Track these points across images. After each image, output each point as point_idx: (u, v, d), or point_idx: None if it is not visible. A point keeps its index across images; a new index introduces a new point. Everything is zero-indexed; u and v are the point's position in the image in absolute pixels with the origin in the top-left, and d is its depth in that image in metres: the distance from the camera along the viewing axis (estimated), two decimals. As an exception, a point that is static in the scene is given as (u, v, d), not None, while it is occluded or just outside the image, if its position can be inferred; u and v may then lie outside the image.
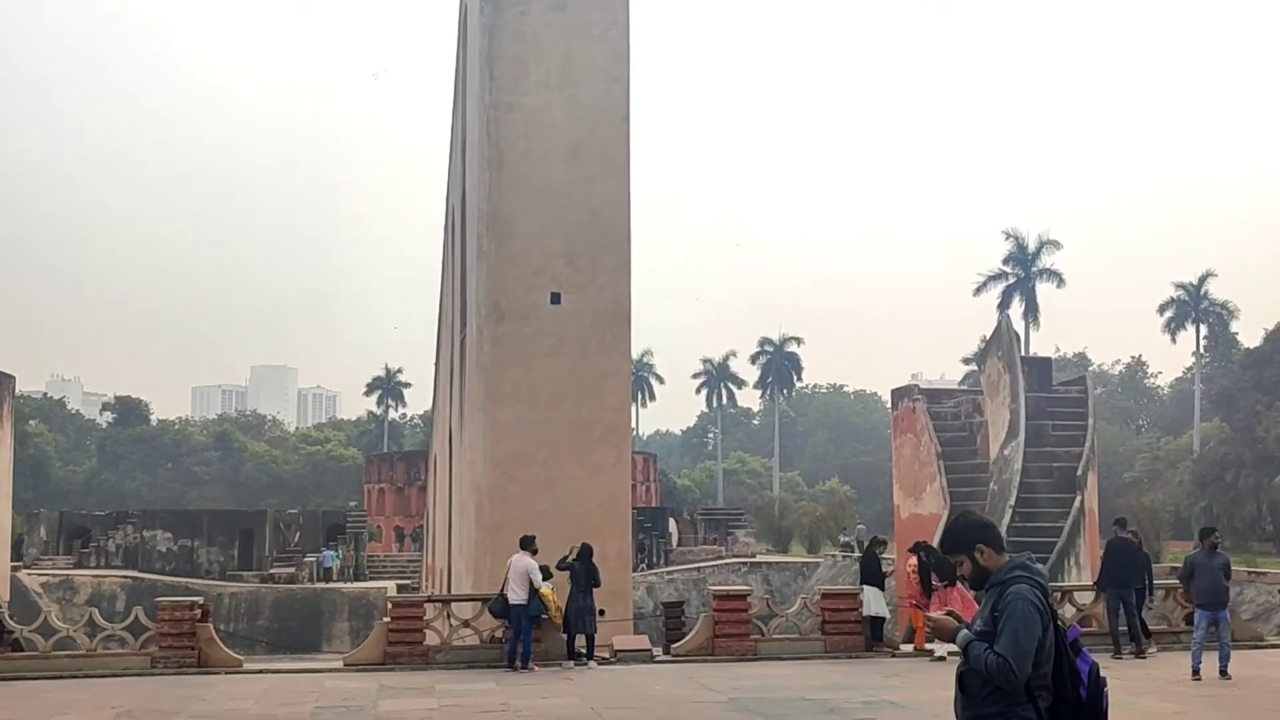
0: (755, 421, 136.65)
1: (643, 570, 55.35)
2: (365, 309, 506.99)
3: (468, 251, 23.82)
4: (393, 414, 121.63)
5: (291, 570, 55.30)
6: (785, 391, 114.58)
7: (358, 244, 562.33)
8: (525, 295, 21.25)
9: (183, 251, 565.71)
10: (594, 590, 18.22)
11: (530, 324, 21.25)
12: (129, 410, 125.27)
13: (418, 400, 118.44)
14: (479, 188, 21.69)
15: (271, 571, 55.61)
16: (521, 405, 21.16)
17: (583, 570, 18.21)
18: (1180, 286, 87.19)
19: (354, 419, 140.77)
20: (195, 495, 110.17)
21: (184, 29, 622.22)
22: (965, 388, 68.61)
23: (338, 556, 58.90)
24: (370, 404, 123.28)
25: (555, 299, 21.20)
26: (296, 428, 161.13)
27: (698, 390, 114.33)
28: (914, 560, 19.23)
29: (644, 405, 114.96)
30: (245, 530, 61.64)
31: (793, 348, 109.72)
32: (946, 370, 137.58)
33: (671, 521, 65.71)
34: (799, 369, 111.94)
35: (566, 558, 18.36)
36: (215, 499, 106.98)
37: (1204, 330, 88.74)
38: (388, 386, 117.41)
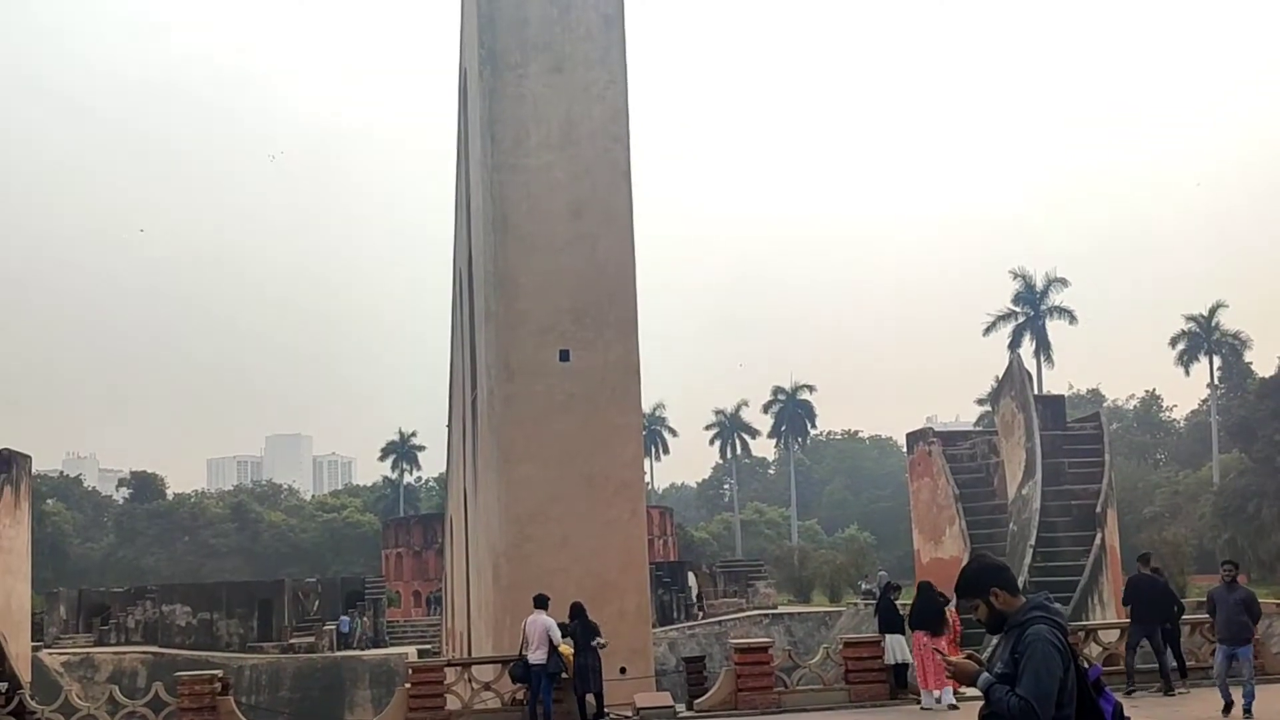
0: (771, 471, 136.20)
1: (664, 626, 54.97)
2: (377, 374, 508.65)
3: (476, 312, 23.91)
4: (408, 478, 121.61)
5: (311, 639, 55.04)
6: (800, 440, 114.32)
7: (367, 310, 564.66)
8: (534, 354, 21.30)
9: (193, 324, 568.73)
10: (599, 645, 17.98)
11: (540, 382, 21.28)
12: (145, 485, 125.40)
13: (432, 463, 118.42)
14: (485, 249, 21.82)
15: (291, 641, 55.34)
16: (534, 463, 21.15)
17: (580, 629, 18.06)
18: (1191, 319, 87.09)
19: (369, 484, 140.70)
20: (213, 567, 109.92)
21: (186, 92, 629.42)
22: (980, 429, 68.42)
23: (352, 622, 58.73)
24: (385, 469, 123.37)
25: (564, 356, 21.25)
26: (312, 495, 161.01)
27: (711, 441, 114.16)
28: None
29: (658, 459, 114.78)
30: (264, 601, 61.43)
31: (805, 395, 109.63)
32: (961, 412, 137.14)
33: (690, 575, 65.33)
34: (813, 417, 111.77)
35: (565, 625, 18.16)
36: (233, 571, 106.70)
37: (1217, 361, 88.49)
38: (402, 450, 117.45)
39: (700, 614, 60.66)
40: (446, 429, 50.58)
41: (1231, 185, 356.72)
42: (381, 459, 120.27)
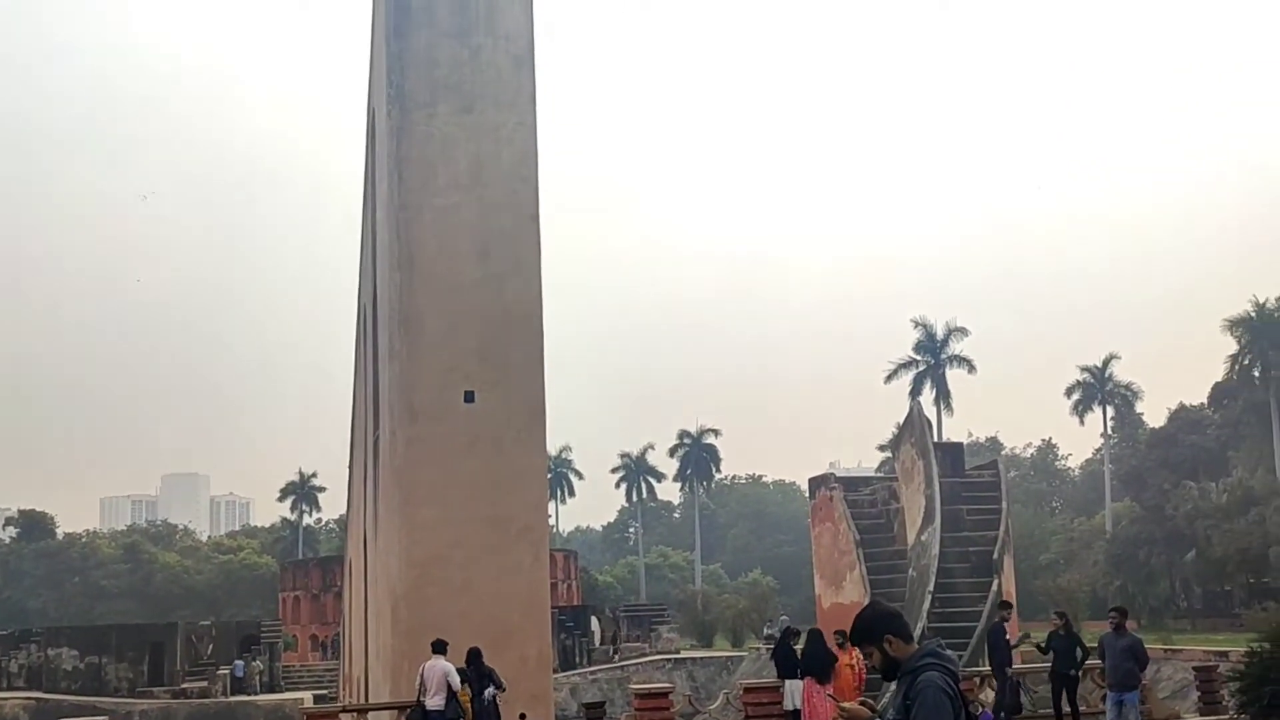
0: (676, 515, 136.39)
1: (566, 671, 54.54)
2: (278, 414, 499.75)
3: (380, 352, 23.67)
4: (307, 519, 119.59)
5: (204, 684, 53.67)
6: (705, 484, 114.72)
7: (269, 348, 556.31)
8: (438, 394, 21.11)
9: (88, 360, 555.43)
10: (489, 697, 17.75)
11: (444, 423, 21.09)
12: (33, 524, 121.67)
13: (333, 505, 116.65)
14: (390, 288, 21.64)
15: (183, 686, 53.90)
16: (436, 506, 20.91)
17: (474, 674, 17.87)
18: (1086, 369, 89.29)
19: (268, 526, 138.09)
20: (104, 610, 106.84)
21: (74, 125, 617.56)
22: (882, 475, 69.30)
23: (246, 666, 57.43)
24: (284, 510, 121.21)
25: (469, 397, 21.08)
26: (209, 536, 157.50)
27: (617, 485, 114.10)
28: (855, 651, 19.20)
29: (563, 502, 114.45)
30: (155, 644, 59.76)
31: (711, 439, 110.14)
32: (863, 458, 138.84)
33: (594, 619, 65.00)
34: (718, 461, 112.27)
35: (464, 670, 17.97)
36: (125, 613, 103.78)
37: (1110, 412, 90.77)
38: (302, 491, 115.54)
39: (616, 656, 60.44)
40: (348, 470, 49.88)
41: (1128, 240, 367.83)
42: (281, 500, 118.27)
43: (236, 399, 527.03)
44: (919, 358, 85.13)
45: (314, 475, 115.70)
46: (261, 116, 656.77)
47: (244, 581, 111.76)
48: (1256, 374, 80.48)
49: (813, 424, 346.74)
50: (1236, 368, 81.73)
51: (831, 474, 49.82)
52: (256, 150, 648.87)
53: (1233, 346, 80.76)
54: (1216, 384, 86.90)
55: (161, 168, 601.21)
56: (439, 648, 17.66)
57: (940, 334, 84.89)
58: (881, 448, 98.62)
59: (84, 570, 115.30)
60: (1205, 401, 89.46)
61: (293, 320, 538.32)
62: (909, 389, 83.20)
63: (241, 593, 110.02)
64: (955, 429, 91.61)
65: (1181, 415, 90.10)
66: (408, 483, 21.22)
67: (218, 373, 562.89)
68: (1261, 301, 78.82)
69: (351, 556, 44.82)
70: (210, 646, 60.57)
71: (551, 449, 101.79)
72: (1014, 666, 20.72)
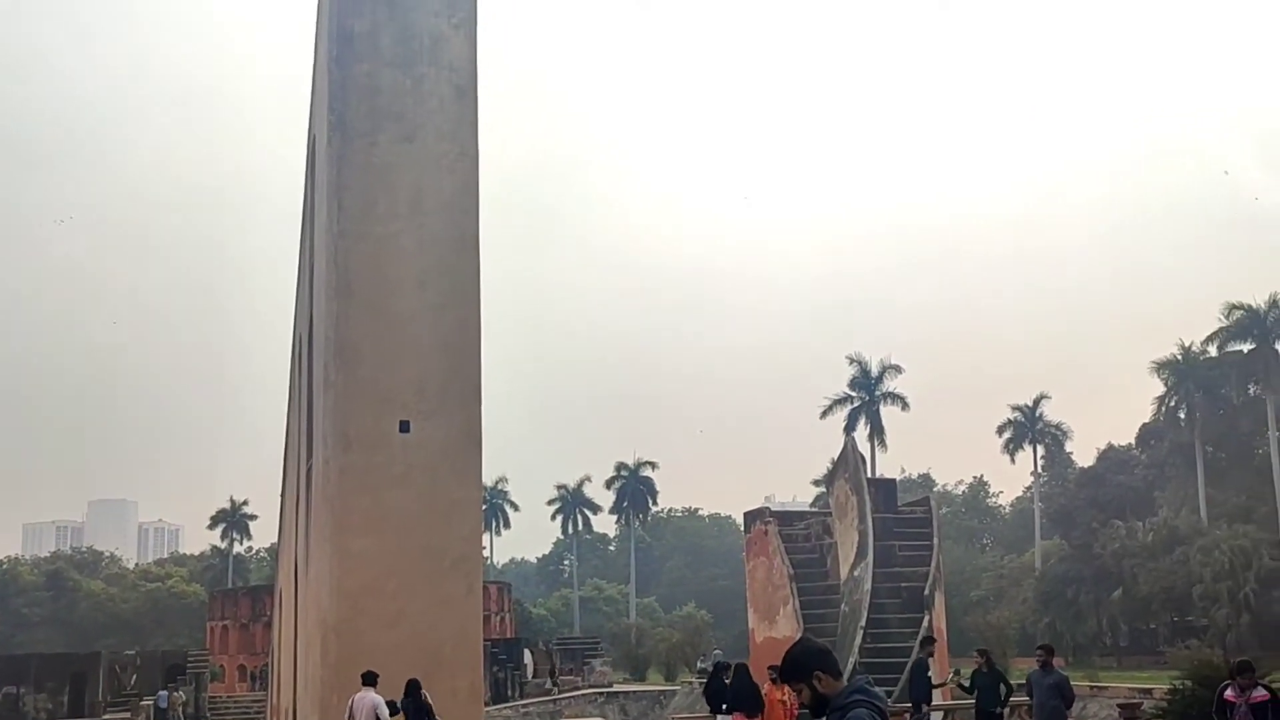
0: (611, 547, 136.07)
1: (498, 704, 54.09)
2: (210, 440, 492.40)
3: (315, 380, 23.48)
4: (238, 548, 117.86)
5: (127, 715, 52.60)
6: (641, 516, 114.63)
7: (201, 374, 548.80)
8: (374, 424, 20.97)
9: (11, 382, 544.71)
10: None
11: (379, 453, 20.94)
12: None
13: (264, 533, 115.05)
14: (326, 316, 21.50)
15: (105, 717, 52.80)
16: (369, 536, 20.74)
17: (411, 707, 17.76)
18: (1017, 408, 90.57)
19: (197, 554, 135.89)
20: (24, 638, 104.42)
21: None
22: (816, 509, 69.67)
23: (170, 696, 56.39)
24: (214, 538, 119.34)
25: (404, 427, 20.96)
26: (136, 564, 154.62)
27: (553, 517, 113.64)
28: (787, 689, 19.27)
29: (498, 533, 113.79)
30: (77, 674, 58.50)
31: (648, 472, 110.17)
32: (798, 492, 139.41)
33: (527, 652, 64.61)
34: (654, 493, 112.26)
35: (396, 703, 17.86)
36: (46, 642, 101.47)
37: (1040, 450, 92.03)
38: (233, 519, 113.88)
39: (555, 689, 60.06)
40: (280, 498, 49.29)
41: (1059, 279, 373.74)
42: (211, 527, 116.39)
43: (168, 424, 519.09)
44: (854, 394, 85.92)
45: (245, 503, 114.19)
46: (200, 138, 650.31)
47: (171, 610, 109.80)
48: (1182, 416, 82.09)
49: (749, 457, 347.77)
50: (1163, 409, 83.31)
51: (767, 508, 49.99)
52: (194, 172, 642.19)
53: (1160, 388, 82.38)
54: (1144, 425, 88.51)
55: (91, 188, 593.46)
56: (369, 679, 17.52)
57: (875, 370, 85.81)
58: (816, 482, 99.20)
59: (4, 598, 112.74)
60: (1133, 442, 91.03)
61: (227, 346, 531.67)
62: (844, 424, 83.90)
63: (169, 622, 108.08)
64: (889, 465, 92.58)
65: (1110, 455, 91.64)
66: (340, 512, 21.05)
67: (149, 397, 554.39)
68: (1188, 345, 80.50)
69: (282, 586, 44.24)
70: (134, 676, 59.43)
71: (487, 480, 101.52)
72: (934, 704, 20.87)
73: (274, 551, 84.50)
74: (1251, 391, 78.24)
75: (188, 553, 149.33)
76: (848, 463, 42.43)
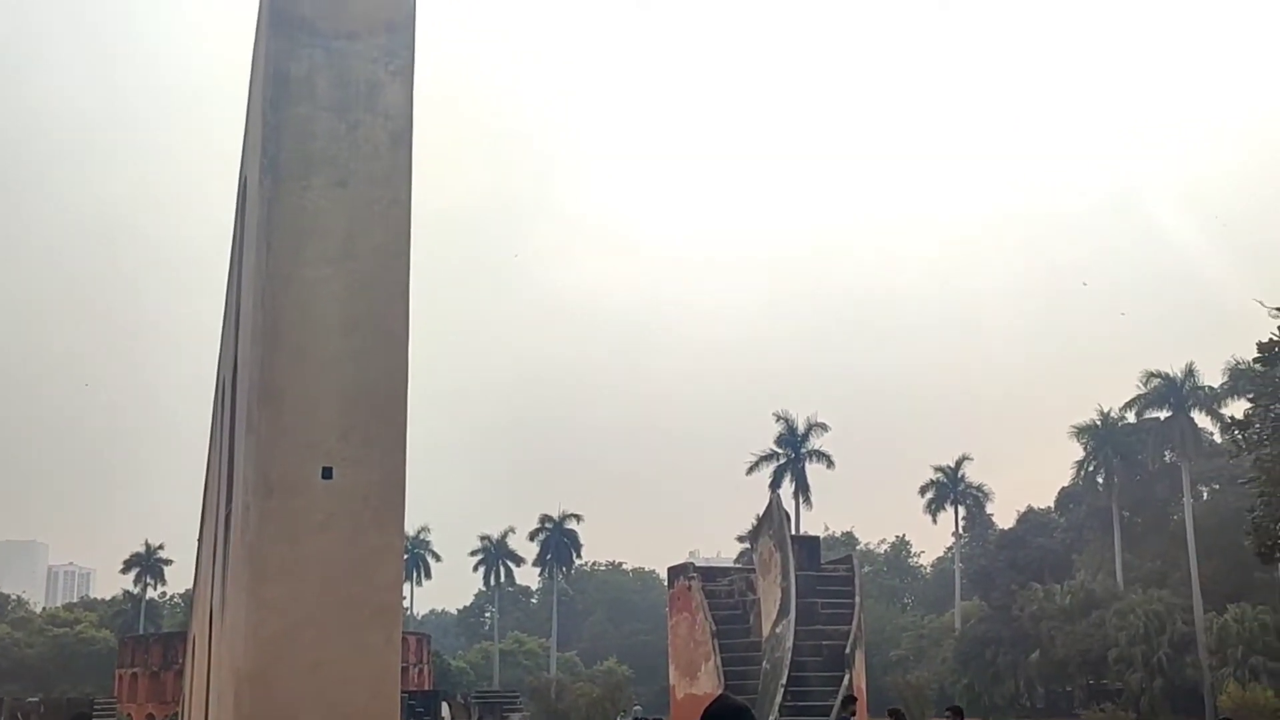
0: (534, 600, 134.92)
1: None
2: (126, 483, 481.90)
3: (237, 424, 23.14)
4: (152, 593, 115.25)
5: (27, 765, 51.08)
6: (564, 569, 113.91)
7: (119, 415, 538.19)
8: (296, 469, 20.70)
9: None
10: None
11: (299, 499, 20.65)
12: None
13: (179, 578, 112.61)
14: (251, 359, 21.26)
15: (4, 766, 51.27)
16: (287, 583, 20.39)
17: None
18: (939, 469, 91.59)
19: (108, 598, 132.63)
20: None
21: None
22: (740, 565, 69.69)
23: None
24: (127, 582, 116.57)
25: (327, 474, 20.69)
26: (44, 608, 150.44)
27: (475, 568, 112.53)
28: None
29: (419, 584, 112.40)
30: (-24, 721, 56.75)
31: (572, 524, 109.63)
32: (723, 548, 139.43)
33: (445, 705, 63.65)
34: (578, 546, 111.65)
35: None
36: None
37: (962, 511, 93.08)
38: (147, 564, 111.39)
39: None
40: (197, 543, 48.34)
41: (981, 342, 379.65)
42: (124, 572, 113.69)
43: (81, 466, 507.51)
44: (780, 450, 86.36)
45: (161, 547, 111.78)
46: (122, 179, 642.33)
47: (79, 656, 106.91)
48: (1100, 480, 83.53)
49: (675, 512, 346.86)
50: (1082, 473, 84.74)
51: (691, 563, 49.92)
52: (114, 211, 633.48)
53: (1079, 453, 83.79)
54: (1063, 489, 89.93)
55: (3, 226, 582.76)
56: (282, 731, 17.17)
57: (801, 428, 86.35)
58: (741, 539, 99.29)
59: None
60: (1052, 505, 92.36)
61: (146, 388, 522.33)
62: (770, 481, 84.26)
63: (76, 668, 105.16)
64: (813, 523, 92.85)
65: (1029, 518, 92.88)
66: (259, 559, 20.69)
67: (62, 438, 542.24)
68: (1106, 410, 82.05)
69: (195, 633, 43.26)
70: (37, 724, 57.78)
71: (410, 529, 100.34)
72: None
73: (189, 597, 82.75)
74: (1168, 458, 79.82)
75: (99, 597, 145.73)
76: (772, 519, 42.60)
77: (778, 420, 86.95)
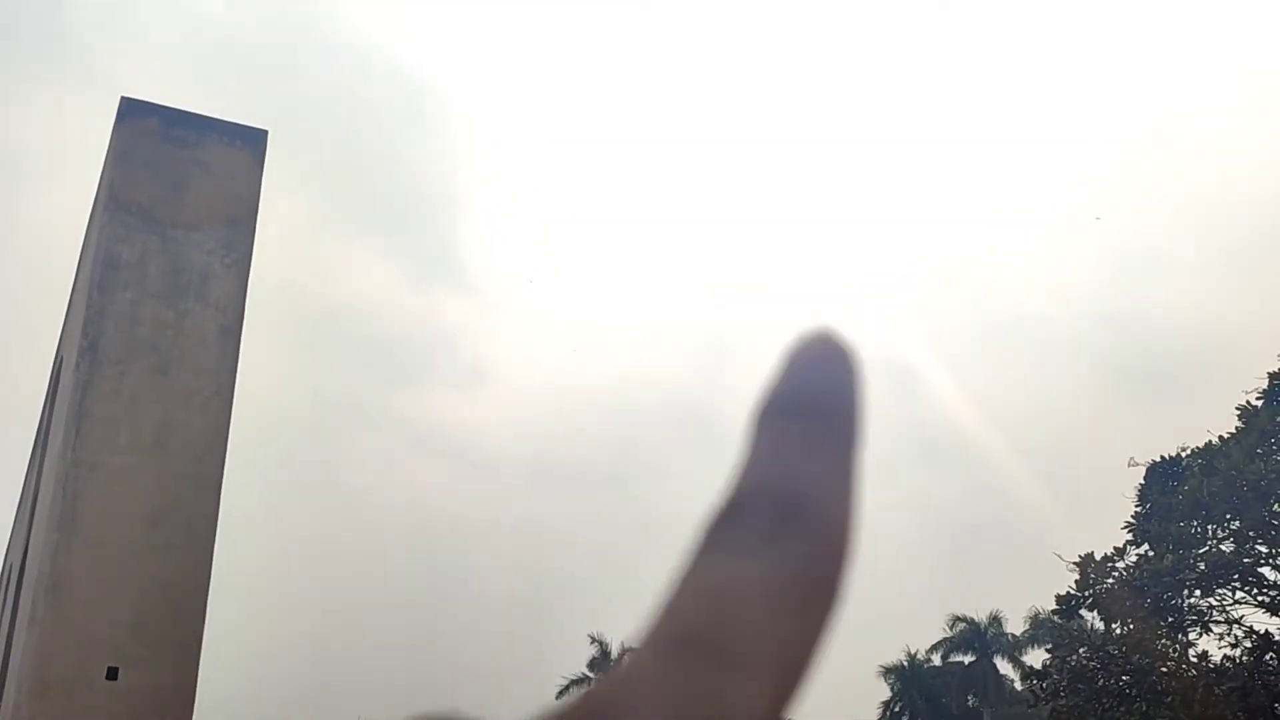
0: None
1: None
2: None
3: (19, 617, 21.78)
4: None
5: None
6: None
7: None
8: (78, 668, 19.46)
9: None
10: None
11: (78, 701, 19.35)
12: None
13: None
14: (44, 548, 20.18)
15: None
16: (53, 797, 18.93)
17: None
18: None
19: None
20: None
21: None
22: None
23: None
24: None
25: (112, 674, 19.51)
26: None
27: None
28: None
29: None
30: None
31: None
32: None
33: None
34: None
35: None
36: None
37: None
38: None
39: None
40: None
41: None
42: None
43: None
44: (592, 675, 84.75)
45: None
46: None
47: None
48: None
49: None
50: (889, 714, 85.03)
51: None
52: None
53: (886, 693, 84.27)
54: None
55: None
56: None
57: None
58: None
59: None
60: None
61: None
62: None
63: None
64: None
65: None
66: (24, 766, 19.23)
67: None
68: (913, 652, 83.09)
69: None
70: None
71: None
72: None
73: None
74: (970, 702, 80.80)
75: None
76: None
77: (591, 642, 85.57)
